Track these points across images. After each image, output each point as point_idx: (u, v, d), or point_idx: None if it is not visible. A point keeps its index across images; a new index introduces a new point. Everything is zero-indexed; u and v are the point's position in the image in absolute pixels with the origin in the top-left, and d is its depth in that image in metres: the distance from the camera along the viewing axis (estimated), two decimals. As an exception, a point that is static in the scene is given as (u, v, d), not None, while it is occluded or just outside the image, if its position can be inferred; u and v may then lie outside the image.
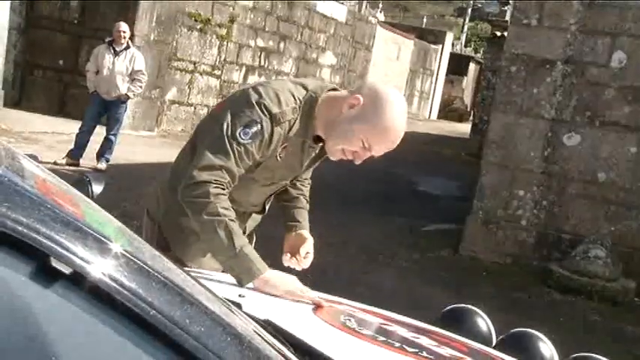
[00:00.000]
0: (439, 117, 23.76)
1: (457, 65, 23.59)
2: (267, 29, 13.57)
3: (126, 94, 7.46)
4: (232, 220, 1.86)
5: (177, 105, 11.59)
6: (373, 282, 5.36)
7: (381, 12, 22.06)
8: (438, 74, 23.14)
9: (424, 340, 1.84)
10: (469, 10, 28.39)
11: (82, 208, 0.92)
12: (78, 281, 0.73)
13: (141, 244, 0.91)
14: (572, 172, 6.49)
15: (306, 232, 2.24)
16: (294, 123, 1.96)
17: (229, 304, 1.09)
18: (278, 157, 1.99)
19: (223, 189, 1.87)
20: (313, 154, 2.10)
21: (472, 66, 24.52)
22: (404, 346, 1.74)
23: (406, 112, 2.01)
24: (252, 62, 13.45)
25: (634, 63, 6.22)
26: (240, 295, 1.70)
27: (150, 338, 0.75)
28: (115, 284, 0.74)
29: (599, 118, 6.40)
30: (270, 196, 2.20)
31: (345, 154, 1.99)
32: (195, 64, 11.69)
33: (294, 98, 1.96)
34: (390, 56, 19.58)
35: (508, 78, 6.75)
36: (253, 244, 2.20)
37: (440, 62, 22.95)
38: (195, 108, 12.06)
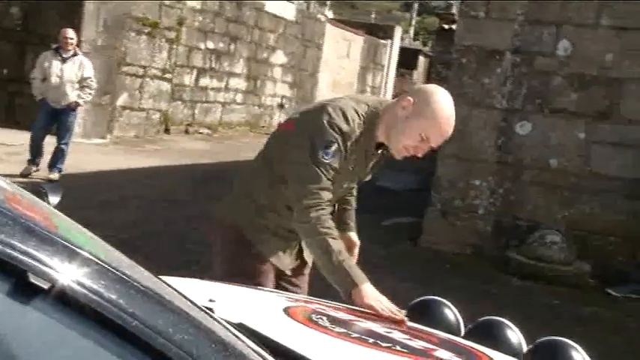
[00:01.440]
0: (392, 111, 23.90)
1: (407, 59, 23.79)
2: (216, 31, 13.48)
3: (76, 102, 7.31)
4: (333, 238, 2.11)
5: (128, 110, 11.41)
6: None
7: (329, 10, 22.11)
8: (388, 69, 23.30)
9: (396, 335, 1.85)
10: (416, 5, 28.70)
11: (53, 220, 0.89)
12: (57, 296, 0.71)
13: (116, 254, 0.89)
14: (526, 160, 6.62)
15: (353, 235, 2.61)
16: (360, 136, 2.22)
17: (205, 310, 1.08)
18: (350, 168, 2.27)
19: (324, 209, 2.15)
20: (375, 160, 2.38)
21: (422, 59, 24.78)
22: (377, 341, 1.75)
23: (452, 102, 2.20)
24: (203, 65, 13.34)
25: (578, 51, 6.37)
26: (210, 300, 1.69)
27: (134, 349, 0.73)
28: (95, 296, 0.72)
29: (549, 105, 6.54)
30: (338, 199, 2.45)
31: (408, 150, 2.22)
32: (145, 68, 11.52)
33: (358, 115, 2.21)
34: (341, 53, 19.64)
35: (459, 70, 6.84)
36: None
37: (390, 57, 23.12)
38: (147, 113, 11.90)
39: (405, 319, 2.01)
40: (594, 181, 6.38)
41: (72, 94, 7.22)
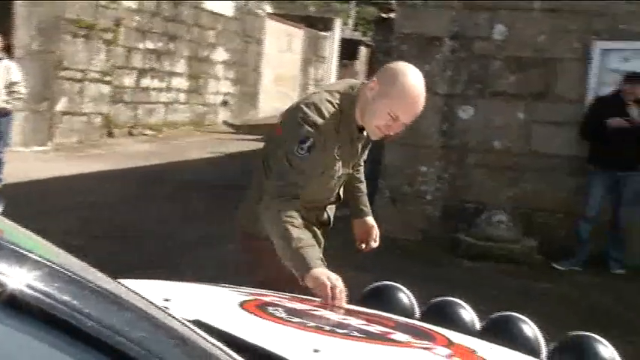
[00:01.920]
0: (336, 103, 23.99)
1: (348, 50, 23.88)
2: (154, 30, 13.28)
3: (4, 108, 7.09)
4: (294, 226, 2.13)
5: (69, 116, 11.16)
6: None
7: (268, 4, 22.02)
8: (331, 61, 23.36)
9: (353, 321, 1.87)
10: (354, -5, 28.76)
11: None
12: (8, 300, 0.70)
13: (67, 257, 0.88)
14: (470, 143, 6.75)
15: (370, 219, 2.72)
16: (339, 124, 2.29)
17: (161, 308, 1.08)
18: (336, 156, 2.32)
19: (289, 200, 2.18)
20: (362, 142, 2.44)
21: (363, 49, 24.90)
22: (334, 328, 1.77)
23: (419, 78, 2.25)
24: (143, 65, 13.14)
25: (514, 34, 6.52)
26: (165, 300, 1.68)
27: (92, 350, 0.73)
28: (48, 299, 0.72)
29: (489, 89, 6.67)
30: (341, 186, 2.51)
31: (381, 130, 2.29)
32: (83, 71, 11.28)
33: (333, 105, 2.28)
34: (282, 47, 19.60)
35: (400, 57, 6.87)
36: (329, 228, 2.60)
37: (331, 49, 23.18)
38: (88, 117, 11.65)
39: (342, 299, 2.03)
40: (536, 160, 6.55)
41: (0, 100, 7.02)
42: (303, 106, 2.28)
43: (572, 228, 6.18)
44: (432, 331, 1.94)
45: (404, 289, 2.39)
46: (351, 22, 29.59)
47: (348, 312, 1.99)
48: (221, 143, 13.37)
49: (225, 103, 16.50)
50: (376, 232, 2.74)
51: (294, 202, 2.20)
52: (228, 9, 16.08)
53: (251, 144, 13.34)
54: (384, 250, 6.46)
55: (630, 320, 4.89)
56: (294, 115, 2.28)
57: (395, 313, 2.14)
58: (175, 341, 0.80)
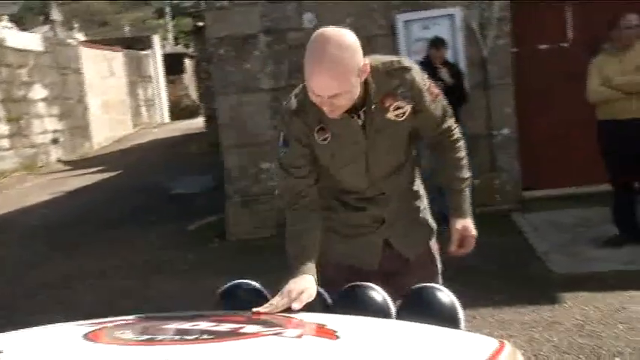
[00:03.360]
0: (173, 119, 23.62)
1: (173, 65, 23.55)
2: (-42, 79, 12.36)
3: None
4: (290, 239, 2.14)
5: None
6: (160, 295, 5.32)
7: (79, 32, 21.18)
8: (157, 78, 22.92)
9: (203, 325, 1.86)
10: (168, 9, 28.36)
11: None
12: None
13: None
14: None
15: (460, 222, 2.28)
16: (308, 112, 2.09)
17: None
18: (319, 142, 2.13)
19: (293, 208, 2.16)
20: (361, 122, 2.12)
21: (188, 62, 24.66)
22: (183, 337, 1.76)
23: (323, 43, 1.94)
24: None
25: (323, 20, 6.70)
26: (-1, 352, 1.59)
27: None
28: None
29: (311, 76, 6.83)
30: (386, 177, 2.22)
31: (324, 107, 2.03)
32: None
33: (301, 93, 2.10)
34: (104, 73, 18.94)
35: (220, 62, 6.92)
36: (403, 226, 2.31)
37: (155, 66, 22.73)
38: None
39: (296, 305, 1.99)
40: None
41: None
42: (283, 103, 2.20)
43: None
44: (284, 316, 1.97)
45: (256, 284, 2.39)
46: (170, 36, 29.16)
47: (198, 317, 1.98)
48: (60, 182, 12.72)
49: (55, 141, 15.69)
50: (471, 242, 2.31)
51: (295, 207, 2.17)
52: (35, 43, 15.27)
53: (92, 177, 12.81)
54: (242, 252, 6.53)
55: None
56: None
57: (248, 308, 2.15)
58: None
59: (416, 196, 2.36)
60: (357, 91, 2.02)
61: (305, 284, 2.02)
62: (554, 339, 3.76)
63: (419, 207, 2.37)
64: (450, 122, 2.28)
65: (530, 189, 6.86)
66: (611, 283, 4.48)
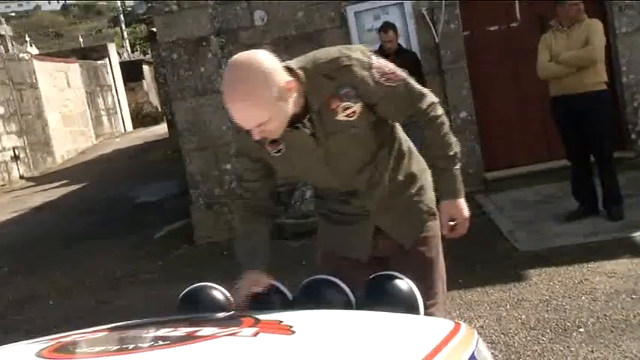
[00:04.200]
0: (135, 127, 23.38)
1: (131, 72, 23.30)
2: None
3: None
4: (244, 232, 2.21)
5: None
6: (130, 305, 5.27)
7: (31, 45, 20.83)
8: (116, 87, 22.66)
9: (161, 332, 1.85)
10: (122, 17, 28.05)
11: None
12: None
13: None
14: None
15: (448, 203, 2.19)
16: None
17: None
18: (273, 154, 2.09)
19: (240, 206, 2.25)
20: (311, 130, 2.05)
21: (146, 68, 24.40)
22: (138, 344, 1.74)
23: (232, 78, 1.86)
24: None
25: (274, 17, 6.71)
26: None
27: None
28: None
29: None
30: (358, 173, 2.16)
31: (254, 136, 1.98)
32: None
33: None
34: (61, 86, 18.66)
35: (173, 66, 6.87)
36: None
37: (113, 75, 22.46)
38: None
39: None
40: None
41: None
42: None
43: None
44: (240, 316, 1.97)
45: (219, 287, 2.37)
46: (127, 43, 28.85)
47: (155, 325, 1.96)
48: (23, 199, 12.52)
49: (17, 158, 15.43)
50: (464, 224, 2.21)
51: (248, 203, 2.22)
52: (-14, 61, 14.99)
53: (57, 191, 12.62)
54: (210, 255, 6.49)
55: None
56: None
57: (213, 311, 2.14)
58: None
59: (406, 182, 2.23)
60: (286, 110, 1.93)
61: (257, 277, 2.09)
62: (522, 316, 3.81)
63: (411, 192, 2.24)
64: (424, 103, 2.13)
65: (491, 170, 6.93)
66: (574, 257, 4.55)
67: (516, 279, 4.38)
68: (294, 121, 2.00)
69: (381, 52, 6.21)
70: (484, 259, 4.88)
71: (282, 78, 1.90)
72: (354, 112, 2.04)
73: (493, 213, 6.03)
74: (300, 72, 1.98)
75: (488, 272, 4.59)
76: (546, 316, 3.75)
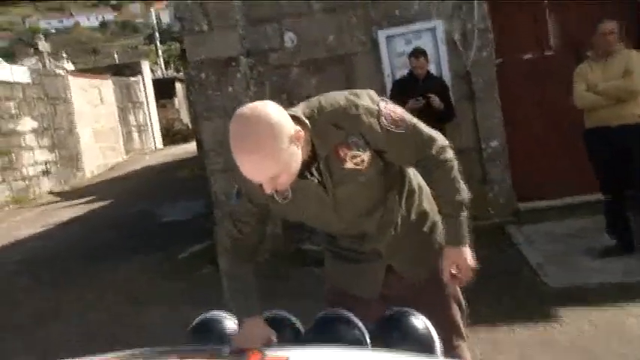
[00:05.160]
0: (165, 144, 23.57)
1: (163, 89, 23.56)
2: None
3: None
4: (226, 275, 2.18)
5: None
6: (143, 324, 5.22)
7: (68, 61, 21.19)
8: (148, 104, 22.89)
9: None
10: (157, 34, 28.46)
11: None
12: None
13: None
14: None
15: (450, 251, 2.11)
16: None
17: None
18: (280, 201, 2.06)
19: (233, 250, 2.20)
20: (318, 179, 2.02)
21: (179, 86, 24.66)
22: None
23: (239, 133, 1.81)
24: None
25: (304, 38, 6.67)
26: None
27: None
28: None
29: (295, 96, 6.75)
30: (366, 216, 2.13)
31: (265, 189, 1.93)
32: None
33: None
34: (94, 101, 18.91)
35: (202, 86, 6.85)
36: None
37: (145, 92, 22.71)
38: None
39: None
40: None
41: None
42: None
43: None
44: (247, 350, 1.89)
45: (228, 315, 2.30)
46: (160, 61, 29.22)
47: (165, 355, 1.89)
48: (52, 214, 12.61)
49: (47, 172, 15.61)
50: (450, 266, 2.12)
51: (237, 257, 2.20)
52: (23, 75, 15.24)
53: (84, 207, 12.70)
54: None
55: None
56: None
57: (219, 343, 2.06)
58: None
59: (419, 221, 2.21)
60: (295, 160, 1.88)
61: (257, 331, 2.03)
62: (548, 358, 3.64)
63: (424, 230, 2.22)
64: (434, 148, 2.07)
65: (522, 200, 6.76)
66: (606, 295, 4.37)
67: (544, 317, 4.21)
68: (302, 170, 1.96)
69: (411, 77, 6.13)
70: (511, 293, 4.72)
71: (291, 127, 1.85)
72: (362, 160, 2.01)
73: (522, 245, 5.86)
74: (307, 121, 1.94)
75: (515, 307, 4.43)
76: (574, 358, 3.58)
